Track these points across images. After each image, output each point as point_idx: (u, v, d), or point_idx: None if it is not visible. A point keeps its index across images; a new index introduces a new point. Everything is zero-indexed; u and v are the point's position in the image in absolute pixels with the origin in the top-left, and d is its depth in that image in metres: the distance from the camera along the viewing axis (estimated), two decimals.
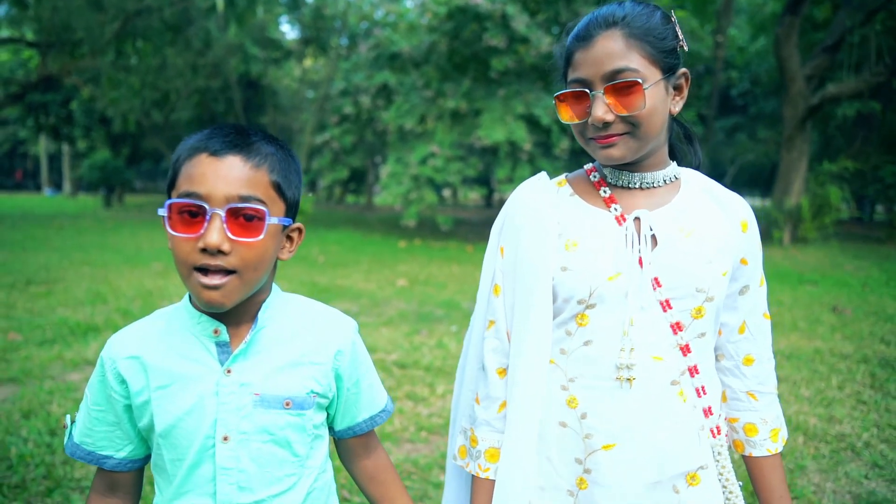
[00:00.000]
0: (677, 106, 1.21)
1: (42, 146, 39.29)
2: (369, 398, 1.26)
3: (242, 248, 1.01)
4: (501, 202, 21.08)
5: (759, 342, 1.28)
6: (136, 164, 35.95)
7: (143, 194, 37.69)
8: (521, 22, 13.11)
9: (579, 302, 1.18)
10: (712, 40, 18.99)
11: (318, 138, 20.00)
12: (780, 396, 3.94)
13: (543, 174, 1.32)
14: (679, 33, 1.19)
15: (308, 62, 27.04)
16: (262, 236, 1.03)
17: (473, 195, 23.64)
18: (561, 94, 1.18)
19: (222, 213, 0.99)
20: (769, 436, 1.29)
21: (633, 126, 1.14)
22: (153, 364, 1.08)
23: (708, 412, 1.21)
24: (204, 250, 0.99)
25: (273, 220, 1.05)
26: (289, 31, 37.43)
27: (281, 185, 1.08)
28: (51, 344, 4.96)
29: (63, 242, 12.51)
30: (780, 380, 4.44)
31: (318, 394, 1.15)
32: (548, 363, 1.21)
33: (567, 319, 1.20)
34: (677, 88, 1.20)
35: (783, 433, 1.32)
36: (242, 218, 1.01)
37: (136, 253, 11.18)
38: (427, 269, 10.25)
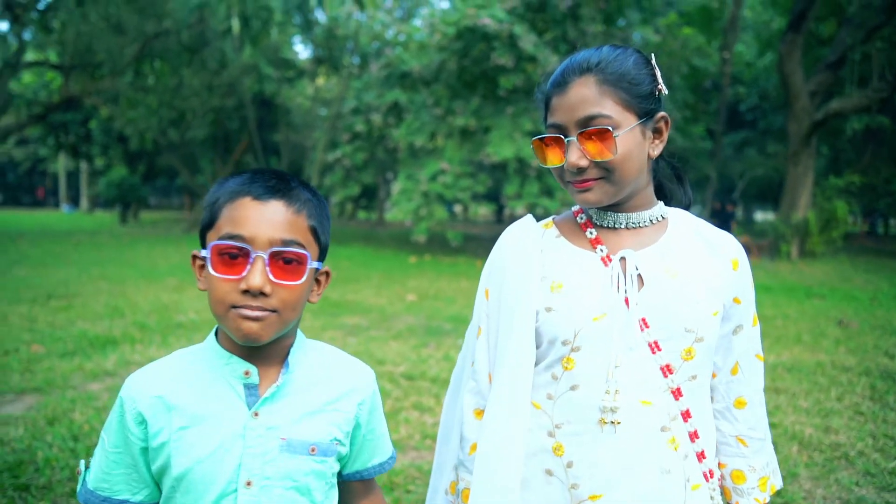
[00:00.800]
0: (656, 149, 1.20)
1: (61, 164, 40.02)
2: (381, 445, 1.28)
3: (283, 291, 1.03)
4: (512, 218, 21.26)
5: (752, 384, 1.26)
6: (152, 181, 36.54)
7: (157, 210, 38.24)
8: (528, 41, 13.34)
9: (564, 343, 1.17)
10: (719, 56, 19.17)
11: (329, 156, 20.33)
12: (778, 408, 4.04)
13: (529, 217, 1.33)
14: (658, 77, 1.19)
15: (321, 81, 27.47)
16: (303, 279, 1.05)
17: (483, 211, 23.88)
18: (537, 138, 1.19)
19: (265, 256, 1.01)
20: (757, 484, 1.26)
21: (607, 171, 1.14)
22: (176, 403, 1.06)
23: (701, 456, 1.19)
24: (246, 292, 1.00)
25: (313, 263, 1.08)
26: (302, 50, 37.99)
27: (317, 229, 1.11)
28: (71, 356, 5.14)
29: (81, 258, 12.80)
30: (778, 391, 4.56)
31: (339, 441, 1.15)
32: (526, 405, 1.19)
33: (553, 363, 1.19)
34: (657, 132, 1.20)
35: (773, 481, 1.28)
36: (282, 261, 1.03)
37: (151, 268, 11.43)
38: (436, 284, 10.40)
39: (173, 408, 1.05)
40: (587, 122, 1.12)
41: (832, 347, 6.14)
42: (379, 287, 9.94)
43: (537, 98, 1.26)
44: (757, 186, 25.13)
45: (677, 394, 1.15)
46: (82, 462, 1.10)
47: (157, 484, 1.10)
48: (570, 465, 1.16)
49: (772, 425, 3.83)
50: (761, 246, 12.81)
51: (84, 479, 1.10)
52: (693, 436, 1.17)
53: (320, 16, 21.41)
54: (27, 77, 26.86)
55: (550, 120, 1.18)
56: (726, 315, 1.21)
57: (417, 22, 20.67)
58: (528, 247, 1.24)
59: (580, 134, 1.12)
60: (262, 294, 1.01)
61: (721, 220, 16.25)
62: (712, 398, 1.26)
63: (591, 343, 1.15)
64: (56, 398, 4.07)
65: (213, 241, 1.03)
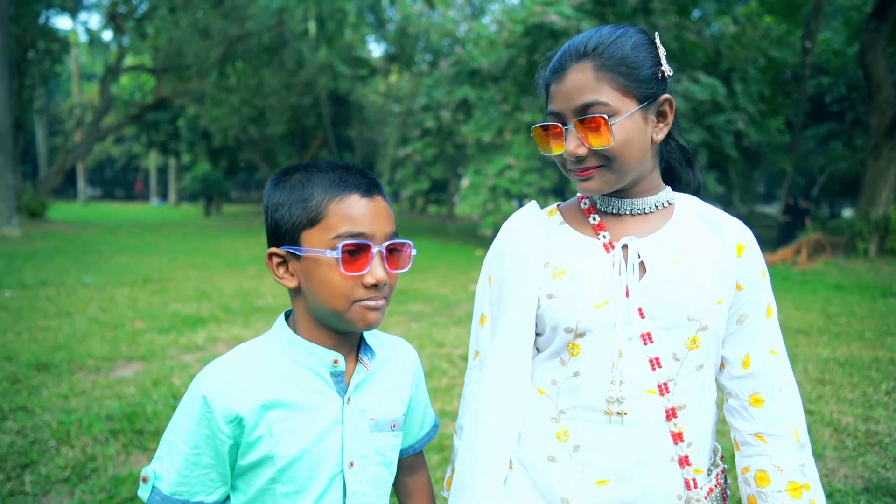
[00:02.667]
0: (660, 133, 1.16)
1: (152, 160, 42.68)
2: (428, 414, 1.35)
3: (393, 279, 1.11)
4: None
5: (770, 380, 1.19)
6: (233, 176, 38.51)
7: (238, 204, 40.22)
8: None
9: (567, 331, 1.15)
10: (801, 46, 18.44)
11: (400, 151, 21.00)
12: (820, 398, 4.20)
13: (534, 203, 1.31)
14: (661, 58, 1.14)
15: (393, 78, 28.21)
16: (409, 266, 1.13)
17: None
18: (537, 126, 1.17)
19: (384, 249, 1.07)
20: (785, 488, 1.14)
21: (607, 159, 1.11)
22: (273, 398, 1.07)
23: (684, 462, 1.14)
24: (373, 286, 1.06)
25: (414, 251, 1.14)
26: (375, 49, 38.92)
27: (393, 217, 1.16)
28: (168, 331, 5.81)
29: (171, 247, 13.89)
30: (825, 383, 4.65)
31: (405, 415, 1.24)
32: (525, 391, 1.20)
33: (560, 349, 1.18)
34: (661, 115, 1.16)
35: (812, 495, 1.14)
36: (389, 252, 1.09)
37: (234, 258, 12.30)
38: None
39: (265, 401, 1.06)
40: (584, 109, 1.09)
41: None
42: (444, 277, 10.36)
43: (538, 83, 1.23)
44: (839, 182, 23.97)
45: (664, 388, 1.13)
46: (147, 468, 1.08)
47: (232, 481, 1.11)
48: (576, 448, 1.14)
49: (808, 412, 3.96)
50: (835, 243, 12.39)
51: (154, 487, 1.06)
52: (677, 437, 1.14)
53: (392, 13, 22.03)
54: (124, 80, 28.92)
55: (550, 107, 1.15)
56: (730, 303, 1.17)
57: (487, 18, 20.96)
58: (532, 233, 1.23)
59: (578, 122, 1.10)
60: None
61: (794, 216, 15.71)
62: (728, 395, 1.22)
63: (593, 331, 1.13)
64: (157, 366, 4.68)
65: (328, 240, 1.05)
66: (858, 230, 11.96)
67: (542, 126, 1.16)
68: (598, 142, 1.09)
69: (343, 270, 1.04)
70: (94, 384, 4.17)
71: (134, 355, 4.94)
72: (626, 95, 1.10)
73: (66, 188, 41.85)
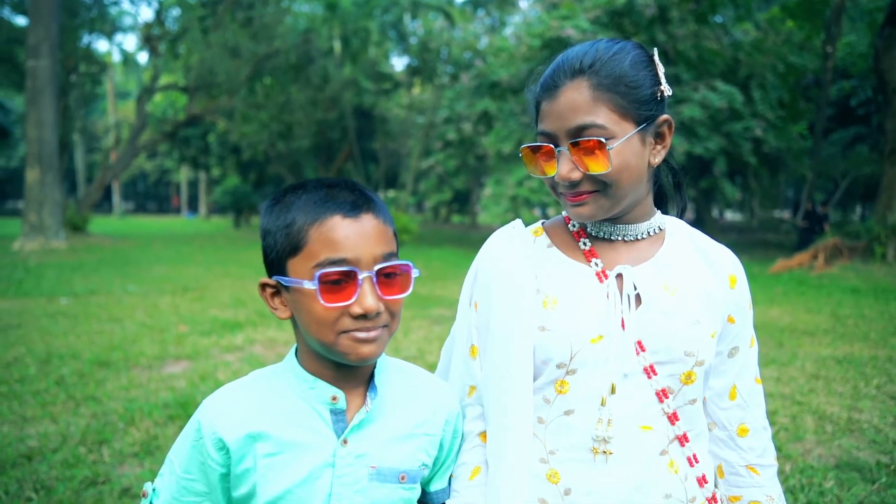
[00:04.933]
0: (658, 156, 1.11)
1: (183, 174, 43.95)
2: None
3: (391, 305, 1.00)
4: None
5: (753, 410, 1.19)
6: (261, 189, 39.53)
7: None
8: None
9: (559, 366, 1.09)
10: (822, 51, 18.50)
11: (423, 163, 21.55)
12: (812, 391, 4.53)
13: (518, 222, 1.23)
14: (661, 77, 1.09)
15: (416, 90, 28.86)
16: (410, 290, 1.01)
17: None
18: (526, 146, 1.11)
19: (373, 275, 0.97)
20: None
21: (602, 185, 1.06)
22: (262, 430, 1.01)
23: (702, 481, 1.13)
24: (362, 316, 0.96)
25: (416, 272, 1.03)
26: (397, 63, 39.69)
27: (396, 233, 1.06)
28: (209, 334, 6.32)
29: (205, 258, 14.57)
30: (818, 377, 4.97)
31: (426, 465, 1.11)
32: (531, 435, 1.12)
33: (545, 385, 1.11)
34: (659, 137, 1.11)
35: None
36: (385, 276, 0.99)
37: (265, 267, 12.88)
38: None
39: (258, 434, 1.01)
40: (579, 131, 1.03)
41: None
42: None
43: (527, 99, 1.16)
44: (864, 186, 23.83)
45: (674, 418, 1.10)
46: (148, 484, 1.07)
47: None
48: (567, 492, 1.09)
49: (797, 403, 4.29)
50: (853, 248, 12.52)
51: (152, 503, 1.05)
52: (692, 460, 1.12)
53: (415, 26, 22.65)
54: (157, 98, 30.08)
55: (540, 127, 1.09)
56: (721, 335, 1.15)
57: (508, 30, 21.45)
58: (519, 257, 1.16)
59: (571, 144, 1.04)
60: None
61: (813, 221, 15.80)
62: (713, 425, 1.20)
63: (587, 366, 1.08)
64: (202, 363, 5.18)
65: (310, 268, 0.96)
66: (876, 234, 12.10)
67: (531, 146, 1.10)
68: (594, 167, 1.04)
69: (322, 301, 0.94)
70: (150, 379, 4.68)
71: (181, 355, 5.46)
72: (624, 117, 1.04)
73: (102, 202, 43.30)
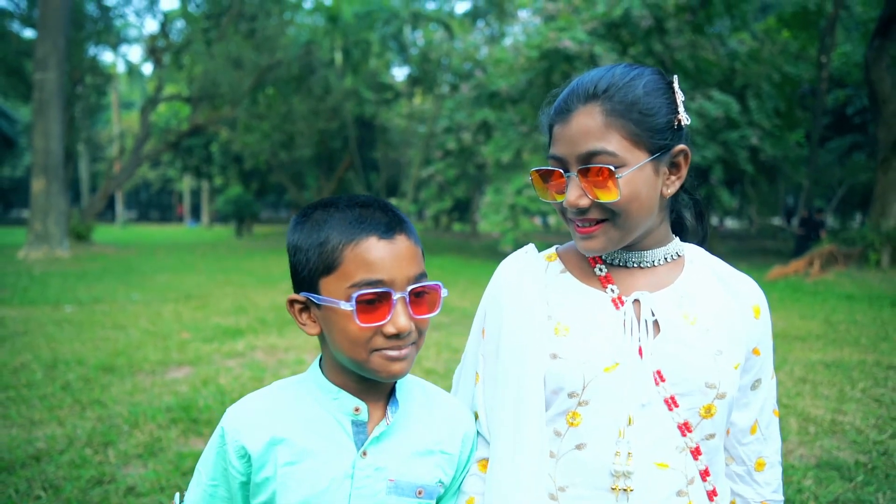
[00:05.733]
0: (671, 187, 1.08)
1: (186, 184, 44.23)
2: None
3: (420, 324, 1.03)
4: None
5: (771, 444, 1.17)
6: (263, 198, 39.80)
7: (268, 224, 41.40)
8: (608, 60, 13.94)
9: (570, 395, 1.05)
10: (817, 59, 18.71)
11: (424, 172, 21.72)
12: (799, 394, 4.64)
13: (531, 247, 1.21)
14: (679, 105, 1.07)
15: (417, 100, 29.12)
16: (439, 310, 1.04)
17: None
18: (536, 170, 1.09)
19: (406, 295, 0.99)
20: None
21: (611, 213, 1.03)
22: (283, 438, 1.03)
23: None
24: (394, 335, 0.99)
25: (445, 292, 1.05)
26: (398, 73, 40.07)
27: (423, 253, 1.08)
28: (211, 341, 6.45)
29: (207, 266, 14.72)
30: (805, 381, 5.08)
31: (443, 483, 1.12)
32: (544, 467, 1.07)
33: (556, 416, 1.07)
34: (674, 167, 1.08)
35: None
36: (415, 296, 1.01)
37: (266, 275, 13.03)
38: None
39: (279, 443, 1.03)
40: (589, 157, 1.01)
41: (891, 350, 6.40)
42: (464, 291, 10.89)
43: (542, 122, 1.16)
44: (860, 194, 24.00)
45: (696, 453, 1.05)
46: (177, 495, 1.10)
47: None
48: None
49: (783, 406, 4.41)
50: (848, 255, 12.65)
51: None
52: (711, 494, 1.08)
53: (416, 37, 22.92)
54: (161, 109, 30.38)
55: (552, 151, 1.08)
56: (745, 368, 1.11)
57: (508, 41, 21.69)
58: (531, 284, 1.14)
59: (581, 171, 1.02)
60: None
61: (809, 228, 15.93)
62: (730, 459, 1.18)
63: (600, 397, 1.04)
64: (205, 369, 5.31)
65: (345, 288, 0.98)
66: (870, 241, 12.23)
67: (541, 170, 1.09)
68: (602, 195, 1.02)
69: (358, 321, 0.97)
70: (153, 383, 4.81)
71: (184, 360, 5.59)
72: (637, 146, 1.02)
73: (105, 211, 43.54)
